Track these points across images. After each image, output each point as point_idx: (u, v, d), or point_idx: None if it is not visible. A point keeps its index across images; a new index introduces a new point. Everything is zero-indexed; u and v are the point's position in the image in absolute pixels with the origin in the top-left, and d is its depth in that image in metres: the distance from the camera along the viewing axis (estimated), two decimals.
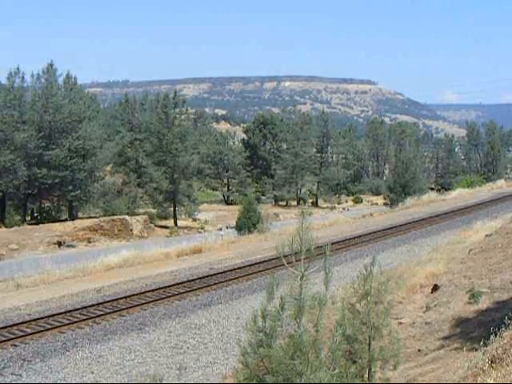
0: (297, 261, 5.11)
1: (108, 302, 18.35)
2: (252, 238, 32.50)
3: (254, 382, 4.93)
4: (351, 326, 6.09)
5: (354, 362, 6.22)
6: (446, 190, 73.38)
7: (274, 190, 72.26)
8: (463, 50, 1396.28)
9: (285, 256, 5.06)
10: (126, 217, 40.03)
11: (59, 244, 34.31)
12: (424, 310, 14.00)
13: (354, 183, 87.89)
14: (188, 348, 14.49)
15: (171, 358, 13.71)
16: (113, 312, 17.25)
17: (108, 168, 54.84)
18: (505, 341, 7.93)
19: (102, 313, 17.15)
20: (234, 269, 23.28)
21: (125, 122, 60.21)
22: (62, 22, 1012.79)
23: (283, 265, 5.07)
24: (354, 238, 30.50)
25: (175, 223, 47.86)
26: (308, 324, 5.07)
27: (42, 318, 16.53)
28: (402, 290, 16.35)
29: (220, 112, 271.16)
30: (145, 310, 17.69)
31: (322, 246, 5.43)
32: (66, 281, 22.22)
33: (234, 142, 79.00)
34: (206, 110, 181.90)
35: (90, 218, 42.74)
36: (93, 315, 16.85)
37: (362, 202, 72.25)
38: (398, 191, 60.18)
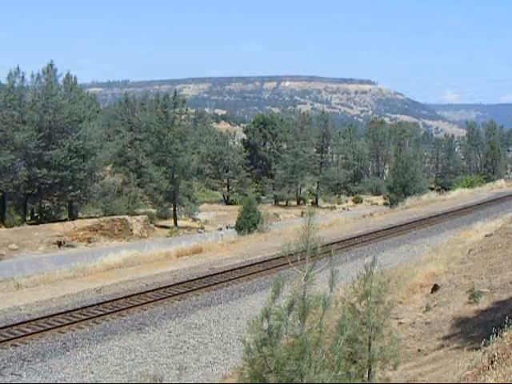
0: (300, 260, 5.11)
1: (108, 301, 18.34)
2: (252, 238, 32.49)
3: (257, 381, 4.93)
4: (351, 327, 6.09)
5: (355, 362, 6.22)
6: (446, 189, 73.35)
7: (274, 190, 72.26)
8: (463, 49, 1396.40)
9: (289, 255, 5.07)
10: (126, 217, 40.03)
11: (59, 244, 34.31)
12: (424, 310, 13.99)
13: (354, 183, 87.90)
14: (188, 348, 14.49)
15: (171, 358, 13.71)
16: (113, 312, 17.24)
17: (108, 168, 54.84)
18: (505, 341, 7.93)
19: (102, 313, 17.14)
20: (234, 269, 23.27)
21: (125, 122, 60.26)
22: (62, 22, 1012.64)
23: (283, 265, 5.08)
24: (354, 237, 30.49)
25: (175, 223, 47.87)
26: (311, 324, 5.07)
27: (42, 318, 16.52)
28: (402, 290, 16.35)
29: (220, 112, 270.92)
30: (145, 310, 17.68)
31: (323, 246, 5.43)
32: (65, 281, 22.21)
33: (234, 142, 78.97)
34: (206, 110, 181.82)
35: (90, 217, 42.74)
36: (93, 315, 16.84)
37: (361, 201, 72.23)
38: (398, 191, 60.15)
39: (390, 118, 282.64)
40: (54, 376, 12.72)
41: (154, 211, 49.91)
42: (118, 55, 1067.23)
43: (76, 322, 16.29)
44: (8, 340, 14.69)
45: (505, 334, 8.46)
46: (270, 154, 75.91)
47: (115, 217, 39.70)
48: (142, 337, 15.26)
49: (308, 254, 5.08)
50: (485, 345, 8.46)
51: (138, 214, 44.04)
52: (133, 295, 19.14)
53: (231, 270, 23.00)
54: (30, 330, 15.48)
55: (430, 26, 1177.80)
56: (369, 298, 6.39)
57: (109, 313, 17.15)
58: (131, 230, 38.55)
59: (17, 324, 16.02)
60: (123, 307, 17.74)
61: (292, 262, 5.07)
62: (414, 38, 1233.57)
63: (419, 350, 10.95)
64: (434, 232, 32.05)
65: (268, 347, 4.92)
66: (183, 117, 54.44)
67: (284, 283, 5.21)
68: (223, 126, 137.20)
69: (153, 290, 19.84)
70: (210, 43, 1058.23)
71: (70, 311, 17.26)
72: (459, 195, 56.51)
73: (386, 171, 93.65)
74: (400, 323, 13.02)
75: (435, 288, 15.92)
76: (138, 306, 17.93)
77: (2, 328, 15.57)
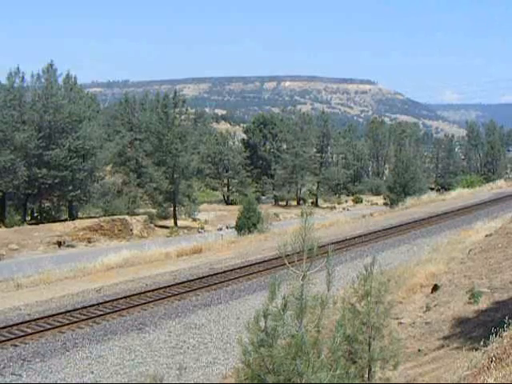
0: (298, 260, 5.11)
1: (108, 301, 18.34)
2: (252, 238, 32.48)
3: (255, 381, 4.92)
4: (351, 326, 6.09)
5: (354, 362, 6.22)
6: (446, 190, 73.37)
7: (274, 190, 72.27)
8: (463, 49, 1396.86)
9: (286, 255, 5.06)
10: (126, 217, 40.03)
11: (59, 244, 34.31)
12: (424, 310, 14.00)
13: (354, 183, 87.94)
14: (188, 348, 14.49)
15: (171, 358, 13.71)
16: (113, 312, 17.24)
17: (108, 168, 54.85)
18: (505, 341, 7.93)
19: (101, 313, 17.14)
20: (234, 269, 23.27)
21: (125, 122, 60.24)
22: (62, 22, 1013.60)
23: (283, 265, 5.07)
24: (354, 237, 30.48)
25: (175, 223, 47.86)
26: (309, 324, 5.07)
27: (42, 318, 16.52)
28: (402, 289, 16.36)
29: (220, 112, 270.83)
30: (145, 309, 17.68)
31: (322, 246, 5.43)
32: (65, 281, 22.21)
33: (234, 142, 78.93)
34: (206, 109, 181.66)
35: (90, 217, 42.74)
36: (93, 315, 16.84)
37: (361, 201, 72.24)
38: (398, 191, 60.17)
39: (390, 118, 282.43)
40: (54, 376, 12.72)
41: (154, 211, 49.89)
42: (118, 55, 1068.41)
43: (76, 321, 16.28)
44: (8, 340, 14.68)
45: (505, 334, 8.46)
46: (270, 154, 75.91)
47: (115, 217, 39.70)
48: (142, 337, 15.25)
49: (305, 254, 5.08)
50: (485, 345, 8.46)
51: (137, 214, 44.04)
52: (133, 295, 19.13)
53: (231, 270, 23.00)
54: (29, 330, 15.47)
55: (430, 26, 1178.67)
56: (369, 298, 6.39)
57: (109, 313, 17.15)
58: (131, 229, 38.54)
59: (17, 324, 16.01)
60: (123, 307, 17.73)
61: (290, 263, 5.06)
62: (413, 38, 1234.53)
63: (419, 350, 10.96)
64: (434, 232, 32.04)
65: (266, 348, 4.92)
66: (183, 117, 54.39)
67: (281, 284, 5.21)
68: (223, 126, 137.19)
69: (153, 290, 19.84)
70: (210, 43, 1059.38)
71: (69, 311, 17.25)
72: (459, 195, 56.52)
73: (386, 171, 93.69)
74: (400, 323, 13.02)
75: (435, 288, 15.92)
76: (137, 305, 17.92)
77: (2, 328, 15.57)
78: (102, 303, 18.19)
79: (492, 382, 6.47)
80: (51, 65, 43.68)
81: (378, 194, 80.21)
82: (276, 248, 5.12)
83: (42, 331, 15.40)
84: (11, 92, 42.10)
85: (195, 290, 19.93)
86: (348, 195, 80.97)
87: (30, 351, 14.04)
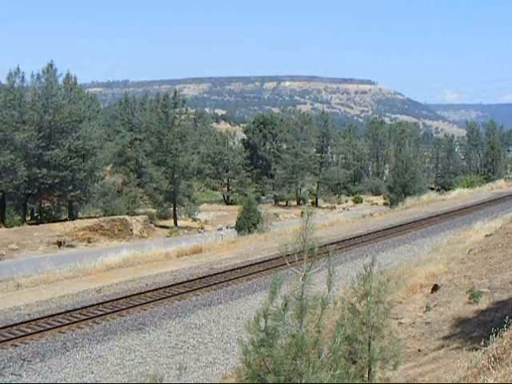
0: (299, 260, 5.11)
1: (108, 301, 18.35)
2: (252, 238, 32.49)
3: (256, 381, 4.93)
4: (351, 326, 6.09)
5: (354, 361, 6.22)
6: (445, 190, 73.36)
7: (274, 190, 72.29)
8: (463, 49, 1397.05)
9: (287, 255, 5.06)
10: (126, 217, 40.04)
11: (59, 244, 34.31)
12: (424, 310, 13.98)
13: (354, 183, 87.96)
14: (188, 348, 14.49)
15: (171, 358, 13.71)
16: (113, 312, 17.24)
17: (108, 168, 54.88)
18: (505, 341, 7.93)
19: (101, 313, 17.15)
20: (234, 269, 23.27)
21: (125, 122, 60.30)
22: (62, 22, 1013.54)
23: (283, 265, 5.07)
24: (354, 237, 30.48)
25: (175, 223, 47.86)
26: (309, 324, 5.07)
27: (42, 318, 16.52)
28: (402, 289, 16.34)
29: (220, 112, 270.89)
30: (145, 310, 17.68)
31: (322, 246, 5.43)
32: (65, 281, 22.21)
33: (234, 142, 78.93)
34: (206, 110, 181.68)
35: (90, 218, 42.75)
36: (93, 315, 16.84)
37: (361, 201, 72.25)
38: (398, 191, 60.16)
39: (390, 118, 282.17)
40: (54, 376, 12.72)
41: (154, 211, 49.91)
42: (118, 55, 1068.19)
43: (76, 321, 16.29)
44: (8, 340, 14.69)
45: (505, 334, 8.45)
46: (270, 154, 75.92)
47: (115, 217, 39.71)
48: (142, 337, 15.26)
49: (305, 254, 5.08)
50: (485, 345, 8.45)
51: (138, 214, 44.06)
52: (133, 295, 19.14)
53: (231, 270, 23.00)
54: (29, 330, 15.48)
55: (429, 26, 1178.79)
56: (369, 298, 6.39)
57: (109, 313, 17.15)
58: (131, 229, 38.55)
59: (17, 324, 16.02)
60: (123, 307, 17.74)
61: (290, 263, 5.07)
62: (414, 38, 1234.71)
63: (419, 350, 10.95)
64: (434, 232, 32.03)
65: (266, 347, 4.92)
66: (183, 117, 54.43)
67: (282, 283, 5.21)
68: (223, 126, 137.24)
69: (153, 290, 19.84)
70: (210, 43, 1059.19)
71: (69, 311, 17.26)
72: (459, 195, 56.52)
73: (386, 171, 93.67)
74: (400, 323, 13.01)
75: (435, 288, 15.91)
76: (137, 305, 17.93)
77: (2, 328, 15.58)
78: (101, 303, 18.20)
79: (492, 381, 6.47)
80: (51, 65, 43.74)
81: (378, 194, 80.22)
82: (276, 248, 5.13)
83: (41, 331, 15.41)
84: (11, 92, 42.10)
85: (195, 290, 19.94)
86: (348, 195, 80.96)
87: (29, 351, 14.05)
